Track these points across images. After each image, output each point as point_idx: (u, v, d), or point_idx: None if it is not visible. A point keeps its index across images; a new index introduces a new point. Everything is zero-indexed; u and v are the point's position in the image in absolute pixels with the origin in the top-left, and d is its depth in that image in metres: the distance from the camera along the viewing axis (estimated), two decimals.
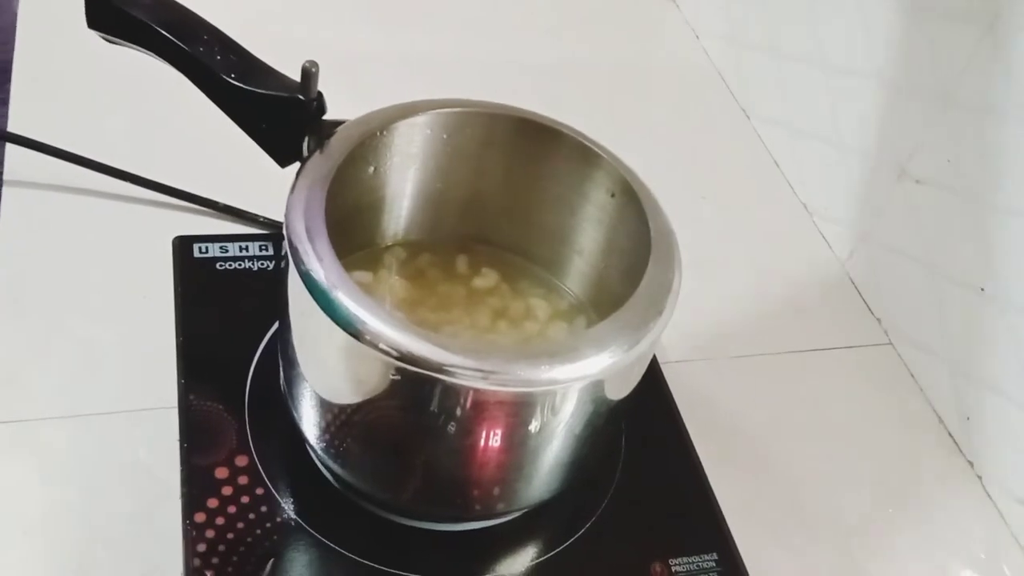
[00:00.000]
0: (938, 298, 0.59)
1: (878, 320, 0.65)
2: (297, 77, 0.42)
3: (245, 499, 0.45)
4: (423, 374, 0.37)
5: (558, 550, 0.47)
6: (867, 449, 0.57)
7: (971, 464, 0.57)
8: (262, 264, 0.55)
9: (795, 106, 0.72)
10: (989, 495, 0.56)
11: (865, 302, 0.66)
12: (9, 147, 0.60)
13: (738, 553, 0.49)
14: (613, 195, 0.46)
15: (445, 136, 0.47)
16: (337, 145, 0.43)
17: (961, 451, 0.58)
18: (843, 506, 0.54)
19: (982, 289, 0.56)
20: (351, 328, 0.37)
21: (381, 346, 0.37)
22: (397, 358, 0.37)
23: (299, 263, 0.39)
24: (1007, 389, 0.55)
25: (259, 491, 0.46)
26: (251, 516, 0.45)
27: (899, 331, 0.63)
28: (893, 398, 0.61)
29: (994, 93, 0.54)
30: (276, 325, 0.50)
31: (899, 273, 0.63)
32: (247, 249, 0.56)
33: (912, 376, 0.62)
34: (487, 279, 0.50)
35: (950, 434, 0.59)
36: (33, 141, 0.59)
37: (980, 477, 0.57)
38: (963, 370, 0.58)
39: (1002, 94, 0.54)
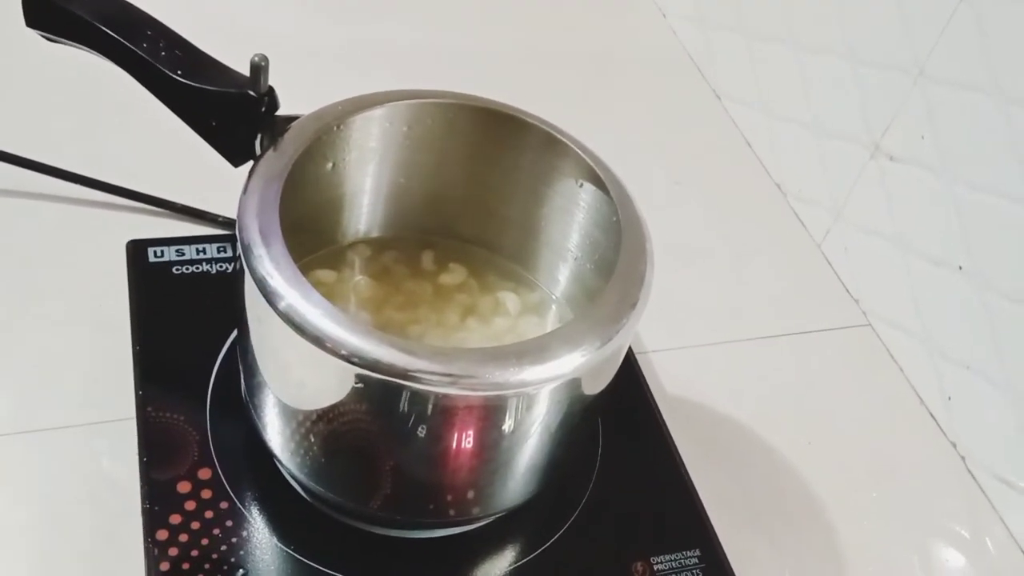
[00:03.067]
0: (916, 277, 0.58)
1: (856, 301, 0.64)
2: (246, 72, 0.41)
3: (209, 514, 0.44)
4: (388, 381, 0.35)
5: (537, 553, 0.46)
6: (849, 433, 0.56)
7: (953, 444, 0.57)
8: (220, 267, 0.53)
9: (766, 85, 0.71)
10: (972, 475, 0.56)
11: (842, 283, 0.65)
12: None
13: (721, 548, 0.48)
14: (581, 184, 0.45)
15: (405, 128, 0.46)
16: (291, 142, 0.41)
17: (943, 431, 0.57)
18: (826, 492, 0.53)
19: (960, 267, 0.55)
20: (310, 335, 0.35)
21: (343, 353, 0.35)
22: (360, 365, 0.35)
23: (253, 267, 0.37)
24: (987, 368, 0.54)
25: (223, 505, 0.44)
26: (216, 531, 0.43)
27: (877, 312, 0.62)
28: (873, 380, 0.60)
29: (969, 66, 0.53)
30: (236, 331, 0.49)
31: (876, 252, 0.62)
32: (204, 251, 0.54)
33: (892, 357, 0.61)
34: (455, 275, 0.49)
35: (932, 415, 0.58)
36: None
37: (963, 457, 0.56)
38: (943, 350, 0.57)
39: (977, 67, 0.53)
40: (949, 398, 0.57)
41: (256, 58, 0.40)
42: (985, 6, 0.52)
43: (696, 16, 0.78)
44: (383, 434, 0.39)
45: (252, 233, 0.37)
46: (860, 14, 0.61)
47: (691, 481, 0.50)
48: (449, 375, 0.35)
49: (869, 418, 0.58)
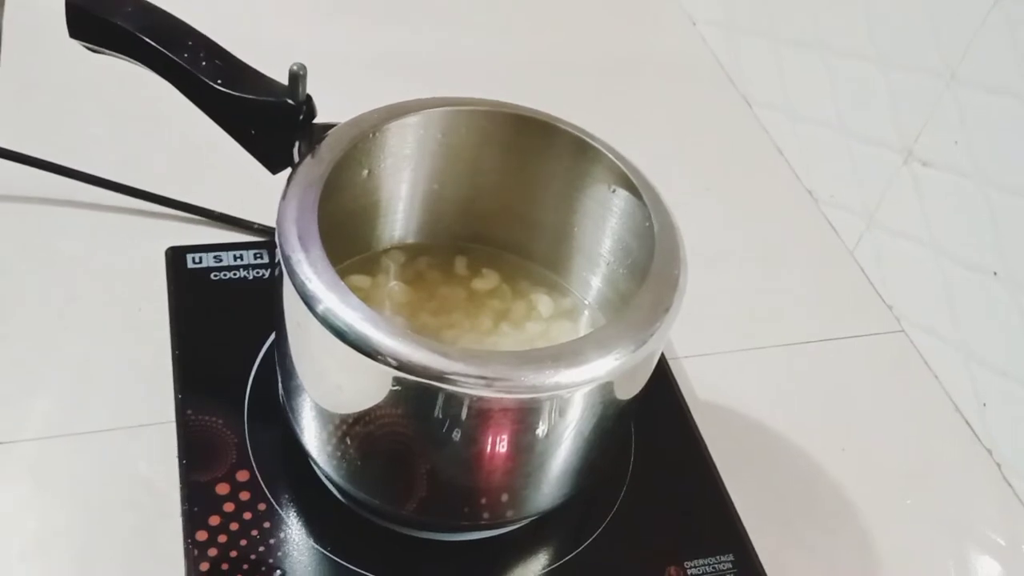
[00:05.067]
0: (950, 283, 0.58)
1: (889, 307, 0.63)
2: (285, 80, 0.41)
3: (247, 515, 0.44)
4: (424, 383, 0.36)
5: (570, 556, 0.46)
6: (883, 439, 0.56)
7: (989, 452, 0.56)
8: (257, 273, 0.54)
9: (796, 91, 0.71)
10: (1008, 482, 0.55)
11: (875, 289, 0.64)
12: None
13: (755, 553, 0.48)
14: (614, 190, 0.45)
15: (439, 136, 0.46)
16: (328, 149, 0.42)
17: (979, 438, 0.57)
18: (860, 498, 0.53)
19: (995, 273, 0.55)
20: (348, 338, 0.36)
21: (380, 356, 0.36)
22: (397, 368, 0.36)
23: (292, 272, 0.37)
24: (1022, 374, 0.53)
25: (261, 507, 0.45)
26: (254, 533, 0.44)
27: (911, 318, 0.62)
28: (908, 387, 0.59)
29: (1002, 70, 0.53)
30: (273, 336, 0.49)
31: (909, 259, 0.61)
32: (242, 258, 0.54)
33: (926, 364, 0.60)
34: (488, 280, 0.49)
35: (967, 422, 0.58)
36: (18, 154, 0.57)
37: (999, 464, 0.56)
38: (978, 356, 0.57)
39: (1010, 70, 0.52)
40: (984, 405, 0.56)
41: (295, 67, 0.40)
42: (1017, 10, 0.52)
43: (725, 23, 0.79)
44: (419, 437, 0.39)
45: (291, 238, 0.38)
46: (891, 19, 0.61)
47: (724, 486, 0.50)
48: (484, 378, 0.36)
49: (903, 425, 0.57)
